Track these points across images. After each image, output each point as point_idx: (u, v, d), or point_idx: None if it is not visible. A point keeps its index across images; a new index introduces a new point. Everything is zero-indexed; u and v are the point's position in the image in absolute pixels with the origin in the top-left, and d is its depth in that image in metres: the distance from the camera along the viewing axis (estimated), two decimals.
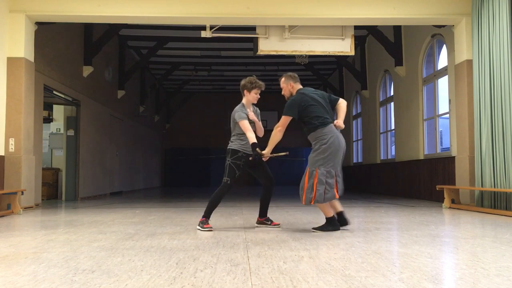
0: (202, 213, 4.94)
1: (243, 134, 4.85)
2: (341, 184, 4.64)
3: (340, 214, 4.75)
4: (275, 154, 4.87)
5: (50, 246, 3.80)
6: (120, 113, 13.99)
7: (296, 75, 4.87)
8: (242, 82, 5.02)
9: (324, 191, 4.47)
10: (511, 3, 6.63)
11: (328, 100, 4.77)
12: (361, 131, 14.87)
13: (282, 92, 4.86)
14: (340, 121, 4.67)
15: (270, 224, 5.12)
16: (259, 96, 5.02)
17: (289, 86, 4.79)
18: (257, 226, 5.13)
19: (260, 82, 4.98)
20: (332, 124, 4.61)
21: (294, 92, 4.77)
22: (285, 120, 4.64)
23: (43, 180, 9.51)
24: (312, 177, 4.52)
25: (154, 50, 13.90)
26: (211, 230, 4.75)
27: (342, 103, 4.80)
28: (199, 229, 4.80)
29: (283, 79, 4.84)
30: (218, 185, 4.99)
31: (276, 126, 4.70)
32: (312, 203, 4.52)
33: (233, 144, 4.93)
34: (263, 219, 5.16)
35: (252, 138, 4.77)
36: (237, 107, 4.97)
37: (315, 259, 3.17)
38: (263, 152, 4.74)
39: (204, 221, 4.83)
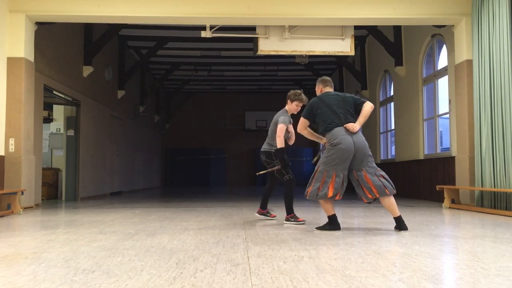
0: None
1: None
2: (366, 187, 4.59)
3: (397, 219, 4.67)
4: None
5: (50, 246, 3.80)
6: (120, 113, 13.99)
7: (328, 79, 5.04)
8: (289, 92, 5.58)
9: (320, 188, 4.57)
10: (511, 3, 6.63)
11: (351, 104, 4.76)
12: (361, 131, 14.85)
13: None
14: (352, 124, 4.61)
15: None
16: (299, 109, 5.53)
17: (319, 89, 5.00)
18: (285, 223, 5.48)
19: (303, 97, 5.49)
20: (339, 128, 4.60)
21: None
22: (301, 120, 4.93)
23: (43, 180, 9.51)
24: (314, 173, 4.72)
25: (154, 50, 13.89)
26: (305, 222, 5.36)
27: (365, 107, 4.72)
28: (292, 224, 5.29)
29: (317, 82, 5.06)
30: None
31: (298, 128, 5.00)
32: (307, 197, 4.68)
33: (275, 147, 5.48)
34: (265, 211, 5.93)
35: (281, 143, 5.33)
36: (281, 111, 5.54)
37: (315, 259, 3.17)
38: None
39: (294, 216, 5.39)
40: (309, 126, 4.99)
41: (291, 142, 5.69)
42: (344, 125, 4.62)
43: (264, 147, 5.65)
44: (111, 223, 5.57)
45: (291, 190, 5.45)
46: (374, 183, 4.55)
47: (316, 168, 4.71)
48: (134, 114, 15.90)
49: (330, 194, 4.54)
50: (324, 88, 4.96)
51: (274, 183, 5.79)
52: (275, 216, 5.89)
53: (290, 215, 5.43)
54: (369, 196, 4.58)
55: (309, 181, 4.74)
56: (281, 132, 5.32)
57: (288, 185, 5.45)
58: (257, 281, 2.55)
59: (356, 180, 4.63)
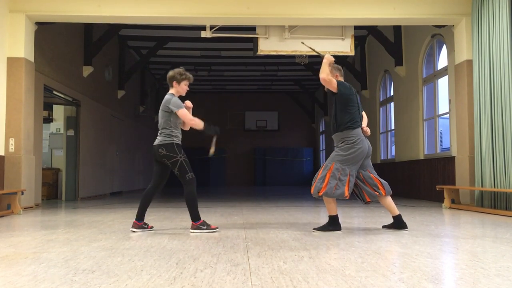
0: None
1: (178, 125, 4.73)
2: (377, 186, 4.64)
3: (397, 218, 4.70)
4: None
5: (50, 246, 3.80)
6: (120, 113, 13.99)
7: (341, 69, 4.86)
8: (170, 73, 4.84)
9: (335, 186, 4.47)
10: (511, 3, 6.63)
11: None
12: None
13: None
14: (367, 128, 4.78)
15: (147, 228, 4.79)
16: (188, 88, 4.89)
17: (335, 76, 4.74)
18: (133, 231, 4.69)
19: (189, 74, 4.84)
20: (360, 129, 4.68)
21: None
22: (333, 80, 4.60)
23: (43, 180, 9.51)
24: (326, 169, 4.56)
25: (154, 50, 13.89)
26: (218, 229, 4.72)
27: (364, 113, 4.95)
28: (204, 233, 4.55)
29: (332, 67, 4.80)
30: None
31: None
32: (320, 194, 4.50)
33: (177, 138, 4.69)
34: (142, 223, 4.76)
35: (199, 122, 4.69)
36: (168, 96, 4.78)
37: (315, 259, 3.17)
38: None
39: (204, 223, 4.65)
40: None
41: (186, 128, 4.92)
42: (362, 127, 4.73)
43: (162, 139, 4.64)
44: (111, 223, 5.57)
45: (194, 192, 4.59)
46: (381, 181, 4.67)
47: (328, 165, 4.56)
48: (134, 114, 15.90)
49: (346, 193, 4.49)
50: (340, 77, 4.80)
51: (161, 185, 4.82)
52: (152, 227, 4.87)
53: (199, 222, 4.61)
54: (376, 193, 4.62)
55: (319, 177, 4.55)
56: (187, 115, 4.66)
57: (190, 185, 4.59)
58: (257, 281, 2.55)
59: (362, 178, 4.67)
